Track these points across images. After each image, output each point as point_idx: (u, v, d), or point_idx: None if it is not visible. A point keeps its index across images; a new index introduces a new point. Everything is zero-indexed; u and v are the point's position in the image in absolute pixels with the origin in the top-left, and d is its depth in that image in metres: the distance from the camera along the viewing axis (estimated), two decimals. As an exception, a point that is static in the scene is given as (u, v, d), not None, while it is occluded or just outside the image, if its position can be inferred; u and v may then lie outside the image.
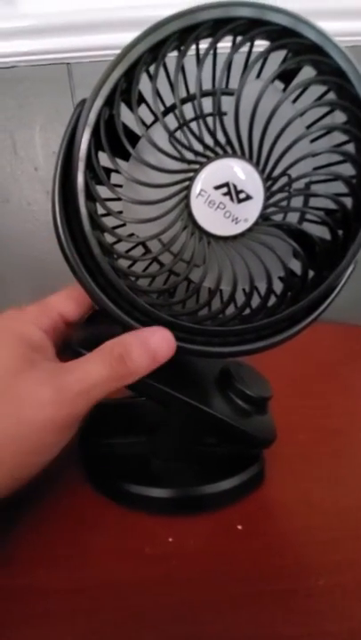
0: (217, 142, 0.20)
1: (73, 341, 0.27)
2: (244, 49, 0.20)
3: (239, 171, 0.20)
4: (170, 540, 0.26)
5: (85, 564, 0.25)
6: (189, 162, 0.20)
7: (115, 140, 0.20)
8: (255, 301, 0.23)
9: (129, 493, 0.28)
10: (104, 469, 0.30)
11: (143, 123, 0.21)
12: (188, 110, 0.20)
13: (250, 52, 0.21)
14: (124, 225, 0.24)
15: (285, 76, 0.21)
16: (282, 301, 0.23)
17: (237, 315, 0.24)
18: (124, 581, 0.24)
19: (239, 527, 0.27)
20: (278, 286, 0.23)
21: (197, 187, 0.20)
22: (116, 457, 0.30)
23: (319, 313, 0.24)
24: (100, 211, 0.22)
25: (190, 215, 0.21)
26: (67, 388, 0.22)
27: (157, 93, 0.20)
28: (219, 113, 0.19)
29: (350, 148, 0.21)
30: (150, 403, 0.27)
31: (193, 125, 0.20)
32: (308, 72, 0.21)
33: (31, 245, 0.53)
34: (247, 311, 0.24)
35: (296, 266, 0.23)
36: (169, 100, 0.21)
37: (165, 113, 0.23)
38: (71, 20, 0.47)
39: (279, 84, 0.21)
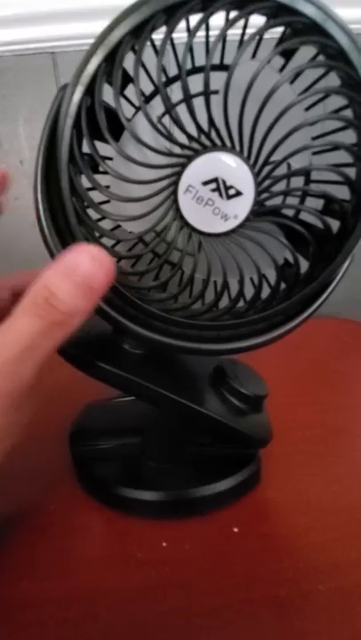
0: (204, 133, 0.19)
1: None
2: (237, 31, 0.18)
3: (228, 165, 0.19)
4: (163, 544, 0.26)
5: (74, 572, 0.24)
6: (175, 156, 0.19)
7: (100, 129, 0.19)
8: (248, 294, 0.23)
9: (120, 497, 0.27)
10: (95, 472, 0.29)
11: (133, 106, 0.20)
12: (178, 95, 0.19)
13: (244, 29, 0.20)
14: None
15: (283, 54, 0.20)
16: (275, 295, 0.22)
17: (231, 308, 0.23)
18: (115, 589, 0.24)
19: (235, 529, 0.27)
20: (273, 279, 0.22)
21: (185, 182, 0.19)
22: (107, 460, 0.29)
23: (315, 308, 0.23)
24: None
25: (178, 211, 0.20)
26: (3, 357, 0.18)
27: (147, 74, 0.19)
28: (206, 93, 0.18)
29: (348, 138, 0.20)
30: (142, 403, 0.27)
31: (179, 114, 0.19)
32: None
33: (18, 241, 0.52)
34: (241, 304, 0.23)
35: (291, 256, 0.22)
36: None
37: (149, 99, 0.22)
38: (56, 8, 0.45)
39: (277, 62, 0.20)
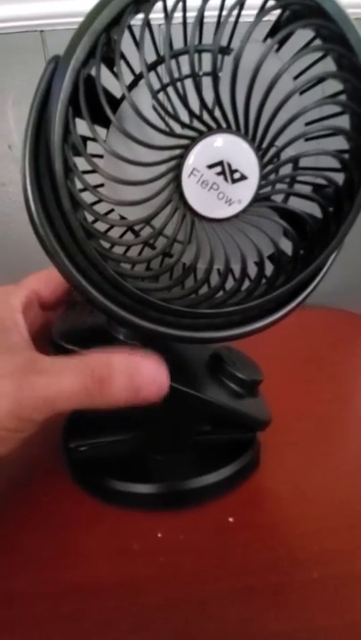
0: (210, 113, 0.18)
1: (54, 333, 0.26)
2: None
3: (234, 148, 0.18)
4: (159, 535, 0.26)
5: (70, 566, 0.24)
6: (180, 137, 0.18)
7: (95, 106, 0.18)
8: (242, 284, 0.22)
9: (115, 490, 0.27)
10: (89, 466, 0.29)
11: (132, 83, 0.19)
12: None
13: (240, 11, 0.19)
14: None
15: (275, 33, 0.20)
16: (275, 280, 0.22)
17: (229, 297, 0.22)
18: (111, 581, 0.23)
19: (230, 519, 0.27)
20: (268, 267, 0.22)
21: (189, 165, 0.18)
22: (101, 452, 0.29)
23: (306, 295, 0.23)
24: (80, 185, 0.20)
25: (182, 196, 0.19)
26: (31, 389, 0.20)
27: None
28: (214, 74, 0.17)
29: (345, 122, 0.19)
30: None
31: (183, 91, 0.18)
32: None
33: (8, 229, 0.51)
34: (240, 292, 0.23)
35: (285, 245, 0.22)
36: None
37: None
38: (44, -16, 0.43)
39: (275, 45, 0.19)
